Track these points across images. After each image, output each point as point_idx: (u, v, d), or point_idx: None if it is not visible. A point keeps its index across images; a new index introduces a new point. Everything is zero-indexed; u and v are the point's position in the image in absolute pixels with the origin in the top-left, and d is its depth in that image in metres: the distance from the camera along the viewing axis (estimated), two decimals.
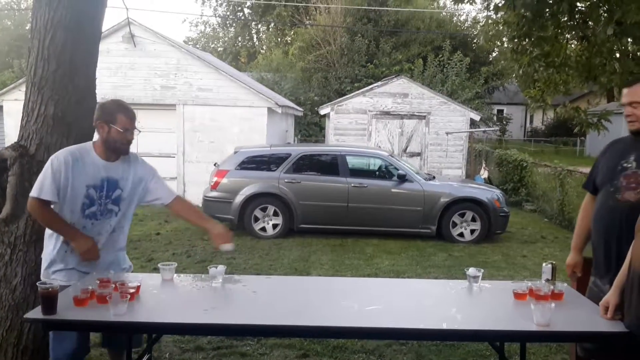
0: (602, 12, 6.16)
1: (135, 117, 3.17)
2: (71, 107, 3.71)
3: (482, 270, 3.27)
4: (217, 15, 43.14)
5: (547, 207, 12.14)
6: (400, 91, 14.97)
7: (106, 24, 4.39)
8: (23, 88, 3.86)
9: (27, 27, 35.76)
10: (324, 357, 4.36)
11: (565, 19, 6.39)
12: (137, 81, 12.84)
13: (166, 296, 3.06)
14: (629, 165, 2.81)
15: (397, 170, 9.47)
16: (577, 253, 3.28)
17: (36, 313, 2.62)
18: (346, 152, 9.80)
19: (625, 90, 2.89)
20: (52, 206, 3.08)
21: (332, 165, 9.56)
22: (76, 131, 3.72)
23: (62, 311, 2.62)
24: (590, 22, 6.43)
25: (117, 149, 3.16)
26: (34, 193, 3.02)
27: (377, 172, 9.85)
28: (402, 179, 9.32)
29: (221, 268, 3.26)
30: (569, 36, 7.13)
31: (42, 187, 3.01)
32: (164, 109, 12.87)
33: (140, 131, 3.22)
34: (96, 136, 3.24)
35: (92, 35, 3.90)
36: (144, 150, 12.62)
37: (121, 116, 3.10)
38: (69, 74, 3.70)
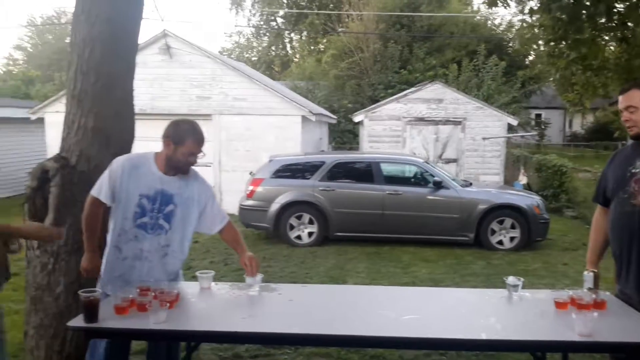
0: None
1: (203, 142, 3.16)
2: (110, 118, 3.80)
3: (522, 279, 3.21)
4: (250, 25, 43.65)
5: (589, 213, 11.83)
6: (435, 97, 14.84)
7: (142, 37, 4.49)
8: (64, 100, 3.97)
9: (67, 41, 36.74)
10: None
11: (603, 20, 6.27)
12: (174, 92, 13.06)
13: (204, 304, 3.09)
14: (637, 170, 2.81)
15: (433, 177, 9.39)
16: (594, 267, 3.21)
17: (78, 321, 2.67)
18: (381, 159, 9.76)
19: (620, 97, 2.88)
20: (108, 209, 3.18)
21: (366, 172, 9.53)
22: (115, 142, 3.80)
23: (104, 319, 2.67)
24: (629, 23, 6.29)
25: (178, 168, 3.19)
26: (94, 192, 3.15)
27: (413, 179, 9.77)
28: (438, 185, 9.23)
29: (258, 277, 3.27)
30: (607, 38, 6.99)
31: (101, 188, 3.14)
32: (200, 119, 12.93)
33: (205, 154, 3.22)
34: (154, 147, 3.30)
35: (129, 48, 4.00)
36: None
37: (190, 141, 3.11)
38: (107, 87, 3.79)
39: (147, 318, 2.66)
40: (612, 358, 2.97)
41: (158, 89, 12.98)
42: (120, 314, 2.74)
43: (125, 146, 3.96)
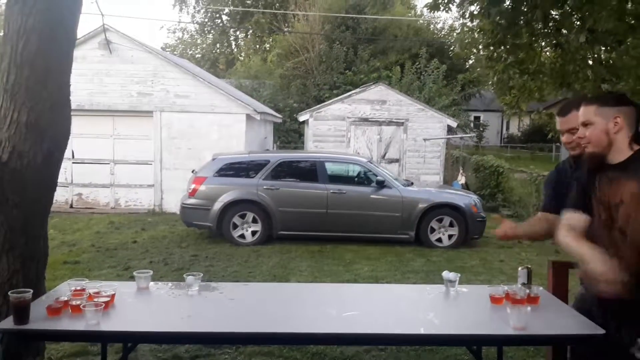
0: (574, 20, 6.28)
1: None
2: (45, 113, 3.66)
3: (459, 275, 3.29)
4: (195, 21, 42.97)
5: (524, 212, 12.28)
6: (379, 98, 15.05)
7: (82, 30, 4.36)
8: None
9: (0, 33, 35.21)
10: None
11: (539, 26, 6.50)
12: (114, 88, 12.71)
13: (142, 304, 3.02)
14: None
15: (376, 176, 9.51)
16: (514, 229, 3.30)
17: (8, 323, 2.57)
18: (325, 159, 9.81)
19: (559, 119, 2.85)
20: None
21: (311, 171, 9.56)
22: (50, 138, 3.67)
23: (36, 321, 2.57)
24: (563, 30, 6.55)
25: None
26: None
27: (356, 179, 9.87)
28: (381, 185, 9.36)
29: (198, 275, 3.23)
30: (543, 44, 7.25)
31: None
32: (141, 116, 12.75)
33: None
34: None
35: (67, 41, 3.86)
36: (120, 157, 12.53)
37: None
38: (42, 80, 3.65)
39: (81, 319, 2.58)
40: (570, 354, 2.96)
41: (97, 84, 12.61)
42: (53, 315, 2.65)
43: (60, 142, 3.82)
